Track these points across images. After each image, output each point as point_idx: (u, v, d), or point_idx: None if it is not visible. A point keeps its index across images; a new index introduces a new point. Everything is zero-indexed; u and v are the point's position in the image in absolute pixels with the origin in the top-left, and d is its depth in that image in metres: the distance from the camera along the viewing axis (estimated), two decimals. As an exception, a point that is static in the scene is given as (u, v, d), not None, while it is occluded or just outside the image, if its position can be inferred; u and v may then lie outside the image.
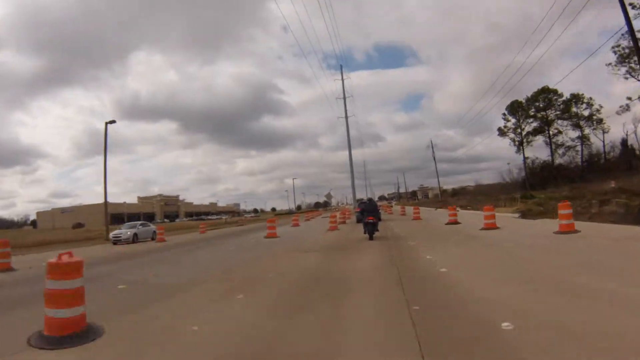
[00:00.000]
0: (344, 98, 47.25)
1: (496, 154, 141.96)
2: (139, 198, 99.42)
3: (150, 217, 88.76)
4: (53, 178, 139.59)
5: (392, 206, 50.75)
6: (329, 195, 40.89)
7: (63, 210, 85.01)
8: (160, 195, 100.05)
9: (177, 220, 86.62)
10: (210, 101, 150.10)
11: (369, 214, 11.79)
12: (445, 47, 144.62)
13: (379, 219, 12.66)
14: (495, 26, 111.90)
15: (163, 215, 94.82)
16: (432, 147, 64.59)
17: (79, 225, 61.69)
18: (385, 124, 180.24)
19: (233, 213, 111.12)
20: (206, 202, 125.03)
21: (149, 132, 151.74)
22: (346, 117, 48.53)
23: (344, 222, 24.56)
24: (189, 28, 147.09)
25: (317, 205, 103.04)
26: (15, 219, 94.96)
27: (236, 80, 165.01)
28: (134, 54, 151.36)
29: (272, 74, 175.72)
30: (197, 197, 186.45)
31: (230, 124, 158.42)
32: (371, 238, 11.38)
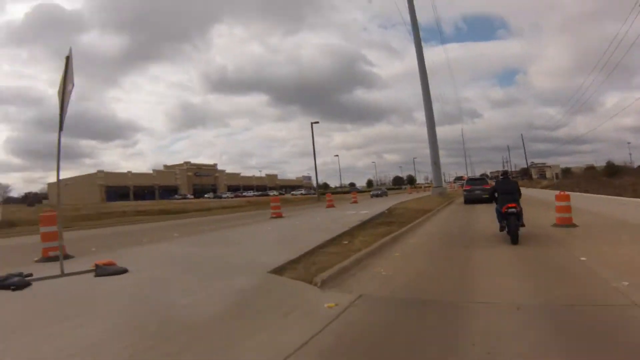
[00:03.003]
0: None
1: (600, 137, 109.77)
2: (165, 167, 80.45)
3: (172, 191, 69.89)
4: (152, 151, 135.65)
5: None
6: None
7: (66, 183, 68.82)
8: (187, 163, 79.91)
9: (205, 196, 66.45)
10: (299, 73, 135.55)
11: (505, 197, 6.42)
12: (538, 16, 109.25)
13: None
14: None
15: (192, 188, 75.24)
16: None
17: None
18: (481, 100, 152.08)
19: (298, 188, 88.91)
20: (299, 175, 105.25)
21: (240, 105, 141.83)
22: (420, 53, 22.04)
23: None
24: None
25: (398, 181, 78.65)
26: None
27: (322, 52, 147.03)
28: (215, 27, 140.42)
29: (358, 46, 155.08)
30: (295, 170, 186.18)
31: (322, 97, 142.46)
32: (515, 241, 6.07)
